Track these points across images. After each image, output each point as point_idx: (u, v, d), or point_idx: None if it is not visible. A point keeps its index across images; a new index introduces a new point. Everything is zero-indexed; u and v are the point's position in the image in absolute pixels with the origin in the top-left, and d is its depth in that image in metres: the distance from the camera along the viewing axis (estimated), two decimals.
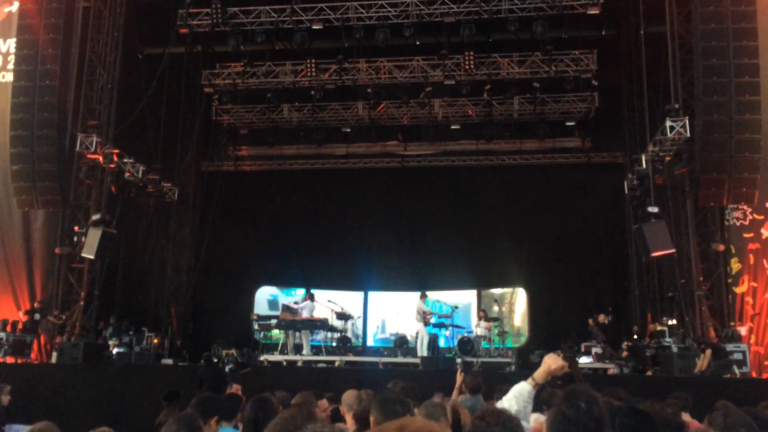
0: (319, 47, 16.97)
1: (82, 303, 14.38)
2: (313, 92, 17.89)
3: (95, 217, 13.81)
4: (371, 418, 3.45)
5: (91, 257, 13.65)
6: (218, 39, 16.72)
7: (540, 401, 6.10)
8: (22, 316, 14.44)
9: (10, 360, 13.20)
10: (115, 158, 14.64)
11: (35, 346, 14.02)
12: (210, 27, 15.73)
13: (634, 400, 5.20)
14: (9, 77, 15.43)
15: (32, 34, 14.59)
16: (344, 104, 19.06)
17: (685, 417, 5.59)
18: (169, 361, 14.27)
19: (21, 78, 14.53)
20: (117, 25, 15.14)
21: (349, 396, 4.67)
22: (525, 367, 12.61)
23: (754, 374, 12.57)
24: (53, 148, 14.29)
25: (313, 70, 17.32)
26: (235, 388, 7.89)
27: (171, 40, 16.23)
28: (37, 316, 14.33)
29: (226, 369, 10.33)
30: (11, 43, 15.74)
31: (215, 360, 10.74)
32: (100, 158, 14.32)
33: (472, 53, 16.50)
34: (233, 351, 11.92)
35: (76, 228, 14.66)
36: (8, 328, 13.78)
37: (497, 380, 8.54)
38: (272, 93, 18.11)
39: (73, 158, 14.63)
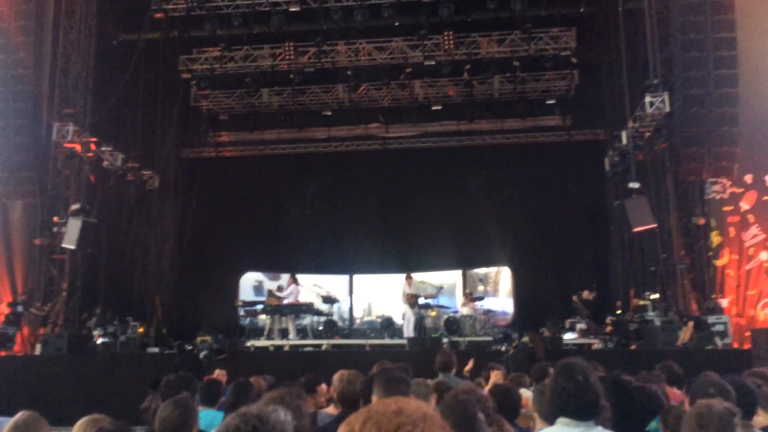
0: (297, 30, 16.77)
1: (64, 294, 14.24)
2: (292, 76, 17.70)
3: (75, 207, 13.66)
4: (374, 397, 3.42)
5: (72, 248, 13.51)
6: (194, 23, 16.45)
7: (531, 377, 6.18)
8: (4, 309, 14.28)
9: None
10: (93, 147, 14.45)
11: (18, 338, 13.87)
12: (185, 11, 15.49)
13: (617, 373, 5.25)
14: None
15: (3, 21, 14.29)
16: (324, 87, 18.91)
17: (672, 389, 5.65)
18: (155, 350, 14.22)
19: None
20: (90, 12, 14.89)
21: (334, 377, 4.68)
22: (510, 345, 12.70)
23: (735, 345, 12.76)
24: (29, 138, 14.06)
25: (292, 53, 17.15)
26: (219, 374, 7.89)
27: (146, 25, 15.95)
28: (19, 309, 14.16)
29: (201, 356, 10.30)
30: None
31: (189, 347, 10.70)
32: (78, 147, 14.12)
33: (451, 33, 16.42)
34: (208, 337, 11.86)
35: (55, 218, 14.47)
36: None
37: (484, 359, 8.62)
38: (251, 77, 17.91)
39: (49, 148, 14.40)
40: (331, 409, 4.65)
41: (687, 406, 3.36)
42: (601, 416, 2.94)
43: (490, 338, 13.99)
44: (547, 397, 2.96)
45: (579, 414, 2.86)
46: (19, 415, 3.23)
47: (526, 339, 10.12)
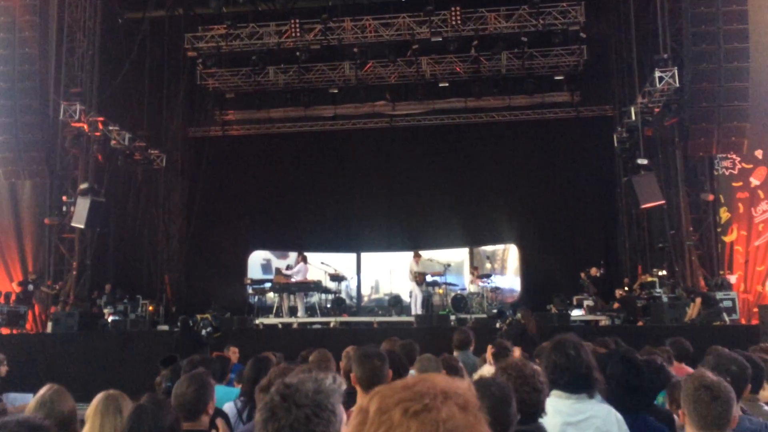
0: (302, 7, 16.68)
1: (74, 273, 14.35)
2: (298, 53, 17.58)
3: (83, 186, 13.71)
4: (351, 375, 3.49)
5: (81, 227, 13.59)
6: (199, 1, 16.36)
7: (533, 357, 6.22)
8: (15, 288, 14.43)
9: (5, 331, 13.23)
10: (101, 126, 14.46)
11: (30, 316, 14.04)
12: None
13: (624, 349, 5.27)
14: None
15: (7, 1, 14.25)
16: (330, 65, 18.80)
17: (680, 365, 5.68)
18: (165, 328, 14.34)
19: None
20: None
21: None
22: (504, 322, 12.73)
23: (743, 321, 12.78)
24: (37, 118, 14.11)
25: (298, 30, 17.01)
26: (233, 351, 7.99)
27: (151, 3, 15.89)
28: (30, 287, 14.32)
29: (203, 333, 10.39)
30: None
31: (191, 323, 10.80)
32: (85, 126, 14.14)
33: (458, 8, 16.24)
34: (208, 315, 11.95)
35: (64, 198, 14.56)
36: (1, 300, 13.77)
37: (491, 336, 8.66)
38: (257, 55, 17.79)
39: (57, 127, 14.44)
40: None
41: None
42: (594, 389, 3.07)
43: (484, 315, 13.95)
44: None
45: (571, 387, 3.03)
46: (45, 389, 3.27)
47: (518, 315, 10.20)
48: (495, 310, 12.72)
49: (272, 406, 1.65)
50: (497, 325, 10.80)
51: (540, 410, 2.81)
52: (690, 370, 5.26)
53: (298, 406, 1.62)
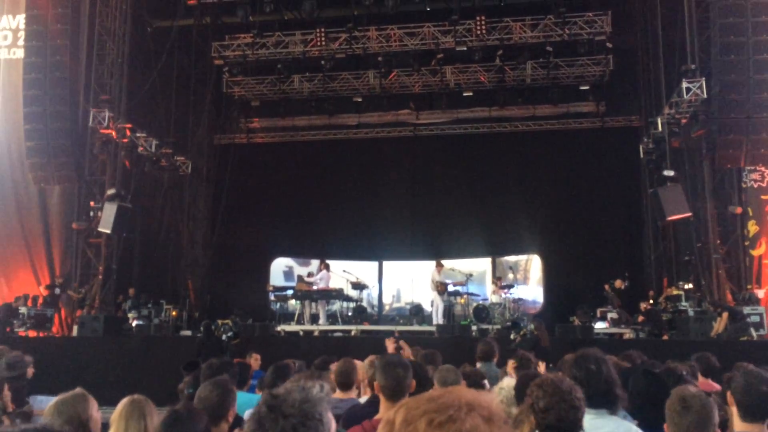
0: (328, 16, 16.77)
1: (100, 277, 14.54)
2: (323, 62, 17.71)
3: (110, 191, 13.90)
4: (375, 384, 3.49)
5: (108, 232, 13.78)
6: (227, 10, 16.55)
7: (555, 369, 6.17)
8: (42, 291, 14.66)
9: (32, 334, 13.44)
10: (128, 133, 14.68)
11: (56, 320, 14.26)
12: None
13: (651, 363, 5.20)
14: (20, 53, 15.44)
15: (40, 9, 14.56)
16: (355, 74, 18.91)
17: (707, 381, 5.58)
18: (188, 333, 14.46)
19: (32, 54, 14.55)
20: None
21: (365, 363, 4.73)
22: (518, 333, 12.63)
23: None
24: (66, 124, 14.36)
25: (323, 39, 17.14)
26: (255, 358, 8.01)
27: (179, 12, 16.12)
28: (57, 291, 14.55)
29: (224, 338, 10.48)
30: (21, 19, 15.72)
31: (213, 328, 10.91)
32: (113, 133, 14.36)
33: (483, 18, 16.23)
34: (229, 321, 12.04)
35: (92, 203, 14.77)
36: (29, 303, 14.01)
37: (505, 347, 8.60)
38: (282, 64, 17.96)
39: (86, 133, 14.70)
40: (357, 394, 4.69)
41: (730, 398, 3.35)
42: (615, 404, 3.00)
43: (498, 326, 13.82)
44: None
45: (590, 401, 2.92)
46: (67, 393, 3.33)
47: (531, 327, 10.15)
48: (509, 322, 12.66)
49: (259, 417, 1.64)
50: (511, 336, 10.76)
51: (578, 428, 2.71)
52: (717, 386, 5.17)
53: (284, 417, 1.61)
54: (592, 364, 3.03)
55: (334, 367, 4.71)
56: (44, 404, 3.35)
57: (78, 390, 3.36)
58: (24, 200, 15.58)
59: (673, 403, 2.87)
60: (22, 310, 13.71)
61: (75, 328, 13.47)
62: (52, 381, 8.97)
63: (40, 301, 14.25)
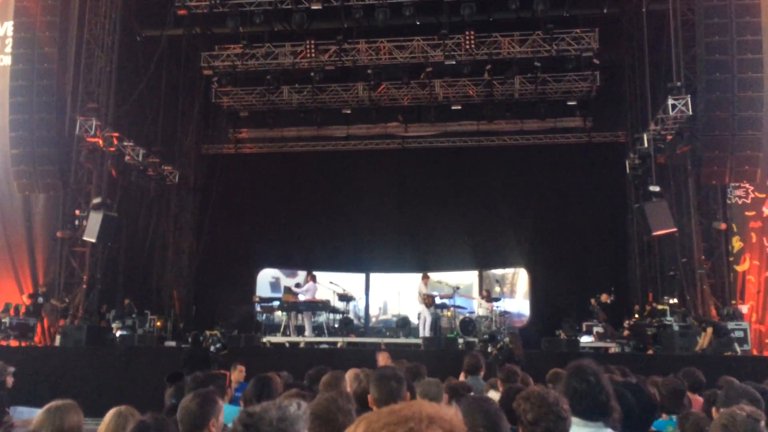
0: (318, 28, 16.81)
1: (84, 286, 14.41)
2: (312, 74, 17.74)
3: (96, 200, 13.81)
4: (369, 397, 3.48)
5: (93, 241, 13.67)
6: (217, 20, 16.55)
7: (545, 382, 6.18)
8: (25, 300, 14.50)
9: (13, 343, 13.26)
10: (115, 141, 14.61)
11: (38, 329, 14.08)
12: (208, 8, 15.55)
13: (638, 378, 5.22)
14: (7, 61, 15.38)
15: (29, 16, 14.51)
16: (344, 86, 18.95)
17: (694, 396, 5.60)
18: (173, 344, 14.32)
19: (19, 61, 14.48)
20: (115, 7, 15.03)
21: (348, 375, 4.70)
22: (527, 347, 12.66)
23: (755, 352, 12.62)
24: (53, 132, 14.28)
25: (313, 51, 17.18)
26: (240, 369, 7.93)
27: (169, 22, 16.10)
28: (40, 300, 14.39)
29: (212, 349, 10.39)
30: (8, 26, 15.65)
31: (201, 339, 10.82)
32: (100, 141, 14.28)
33: (472, 33, 16.35)
34: (217, 331, 11.96)
35: (77, 212, 14.67)
36: (11, 312, 13.83)
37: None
38: (272, 75, 17.97)
39: (72, 142, 14.59)
40: None
41: (714, 413, 3.35)
42: (610, 417, 3.00)
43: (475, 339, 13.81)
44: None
45: (589, 414, 2.93)
46: (54, 403, 3.30)
47: (507, 340, 10.23)
48: (486, 336, 12.69)
49: None
50: (488, 350, 10.78)
51: None
52: (700, 399, 5.19)
53: None
54: (591, 376, 3.01)
55: (323, 379, 4.67)
56: (25, 415, 3.32)
57: (68, 400, 3.33)
58: (8, 208, 15.44)
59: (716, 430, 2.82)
60: (5, 319, 13.53)
61: (58, 338, 13.32)
62: (33, 392, 8.87)
63: (23, 310, 14.08)
